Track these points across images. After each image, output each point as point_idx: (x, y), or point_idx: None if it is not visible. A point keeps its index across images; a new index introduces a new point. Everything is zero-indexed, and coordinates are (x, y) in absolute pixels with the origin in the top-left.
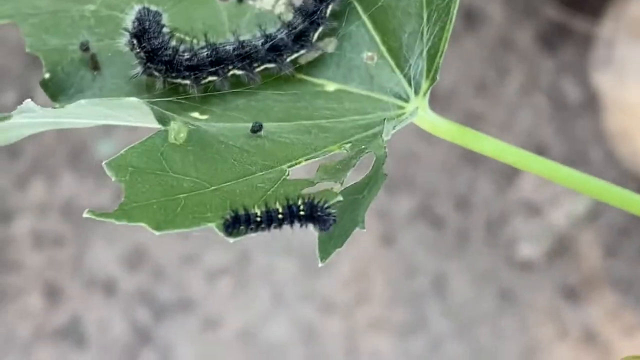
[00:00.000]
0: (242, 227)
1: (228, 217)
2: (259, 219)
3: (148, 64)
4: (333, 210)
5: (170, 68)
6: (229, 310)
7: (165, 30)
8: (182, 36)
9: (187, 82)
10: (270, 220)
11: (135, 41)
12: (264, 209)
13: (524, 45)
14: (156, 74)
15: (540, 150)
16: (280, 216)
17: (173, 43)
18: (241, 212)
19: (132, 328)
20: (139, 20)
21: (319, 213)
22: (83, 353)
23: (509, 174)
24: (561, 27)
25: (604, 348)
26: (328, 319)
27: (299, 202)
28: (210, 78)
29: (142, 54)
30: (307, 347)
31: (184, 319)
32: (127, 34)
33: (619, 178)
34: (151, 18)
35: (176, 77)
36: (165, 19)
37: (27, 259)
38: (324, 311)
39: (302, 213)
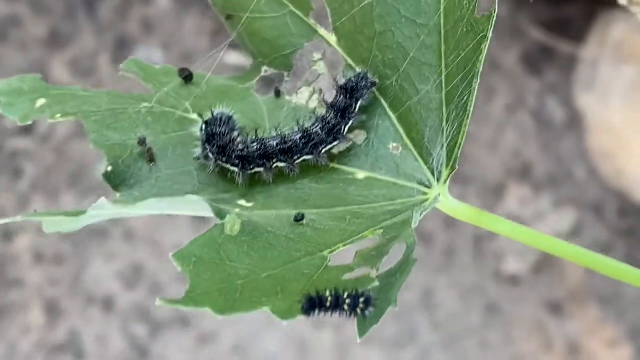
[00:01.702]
0: (317, 311)
1: (305, 302)
2: (328, 304)
3: (207, 147)
4: (374, 302)
5: (223, 155)
6: (223, 325)
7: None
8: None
9: (236, 169)
10: (337, 306)
11: (207, 135)
12: (333, 297)
13: (510, 66)
14: (211, 156)
15: (526, 168)
16: (345, 305)
17: (233, 136)
18: (315, 297)
19: (129, 343)
20: (214, 120)
21: (363, 305)
22: None
23: (496, 191)
24: (546, 49)
25: None
26: (320, 333)
27: (357, 295)
28: (257, 169)
29: (212, 146)
30: None
31: (180, 334)
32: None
33: (602, 196)
34: (224, 119)
35: (226, 163)
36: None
37: (28, 276)
38: (315, 325)
39: (357, 303)
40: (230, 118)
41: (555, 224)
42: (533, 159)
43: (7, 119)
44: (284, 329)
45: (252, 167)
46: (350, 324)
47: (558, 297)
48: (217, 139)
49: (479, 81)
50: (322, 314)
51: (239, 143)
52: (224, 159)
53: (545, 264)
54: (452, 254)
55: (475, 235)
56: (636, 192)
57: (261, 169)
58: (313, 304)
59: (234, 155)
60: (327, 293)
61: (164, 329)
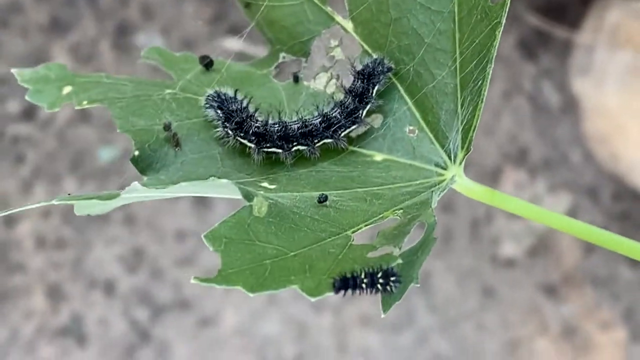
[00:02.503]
0: (349, 289)
1: (337, 281)
2: (364, 284)
3: (226, 125)
4: (399, 281)
5: (241, 131)
6: (224, 309)
7: (244, 103)
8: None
9: (252, 145)
10: (371, 284)
11: (220, 112)
12: (364, 275)
13: (507, 52)
14: (230, 132)
15: (522, 152)
16: (378, 283)
17: (249, 113)
18: (348, 276)
19: (131, 327)
20: (219, 97)
21: (392, 283)
22: (84, 351)
23: (492, 176)
24: (542, 34)
25: (583, 342)
26: (319, 316)
27: (387, 273)
28: (274, 149)
29: (226, 122)
30: (299, 342)
31: (181, 317)
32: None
33: (597, 180)
34: (228, 97)
35: (243, 138)
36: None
37: (31, 261)
38: (315, 308)
39: (389, 281)
40: (234, 97)
41: (551, 207)
42: (529, 144)
43: (9, 105)
44: (283, 312)
45: (268, 145)
46: (349, 307)
47: (553, 280)
48: (235, 115)
49: (492, 66)
50: (353, 292)
51: (256, 120)
52: (242, 135)
53: (541, 247)
54: (449, 239)
55: (471, 220)
56: (631, 176)
57: (279, 150)
58: (346, 284)
59: (250, 132)
60: (360, 273)
61: (165, 313)
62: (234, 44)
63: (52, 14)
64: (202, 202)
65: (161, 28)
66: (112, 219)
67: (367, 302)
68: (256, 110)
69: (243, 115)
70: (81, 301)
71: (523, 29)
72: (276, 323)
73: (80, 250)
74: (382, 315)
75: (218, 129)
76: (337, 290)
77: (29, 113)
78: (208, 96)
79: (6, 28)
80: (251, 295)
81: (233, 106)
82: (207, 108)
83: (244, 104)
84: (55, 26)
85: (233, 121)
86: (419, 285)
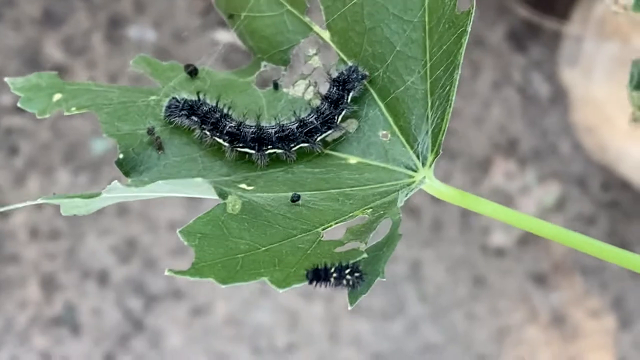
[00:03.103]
0: (320, 282)
1: (309, 272)
2: (333, 277)
3: (204, 127)
4: (364, 276)
5: (216, 130)
6: (217, 298)
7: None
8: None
9: (227, 144)
10: (339, 277)
11: (195, 117)
12: (334, 270)
13: (496, 43)
14: (207, 133)
15: (511, 143)
16: (345, 279)
17: (223, 113)
18: (320, 269)
19: (124, 316)
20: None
21: (357, 279)
22: (78, 340)
23: (482, 166)
24: (531, 26)
25: (572, 330)
26: (311, 305)
27: (350, 267)
28: (247, 150)
29: (203, 125)
30: (291, 331)
31: (174, 307)
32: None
33: (586, 170)
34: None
35: (219, 137)
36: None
37: (24, 251)
38: (307, 297)
39: (354, 277)
40: (199, 100)
41: (540, 197)
42: (518, 134)
43: (2, 98)
44: (276, 301)
45: (241, 145)
46: (340, 296)
47: (543, 269)
48: (210, 116)
49: (460, 72)
50: (324, 284)
51: (231, 120)
52: (217, 134)
53: (531, 236)
54: (439, 228)
55: (462, 210)
56: (619, 166)
57: (251, 151)
58: (318, 276)
59: (224, 131)
60: (331, 267)
61: (158, 302)
62: (224, 36)
63: (45, 7)
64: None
65: (153, 21)
66: (105, 210)
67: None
68: (229, 108)
69: (217, 115)
70: (75, 291)
71: (512, 20)
72: (268, 312)
73: (74, 241)
74: (349, 308)
75: (196, 132)
76: (310, 281)
77: None
78: (170, 106)
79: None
80: (222, 286)
81: (204, 108)
82: (177, 116)
83: (214, 105)
84: (48, 19)
85: (209, 122)
86: (384, 279)
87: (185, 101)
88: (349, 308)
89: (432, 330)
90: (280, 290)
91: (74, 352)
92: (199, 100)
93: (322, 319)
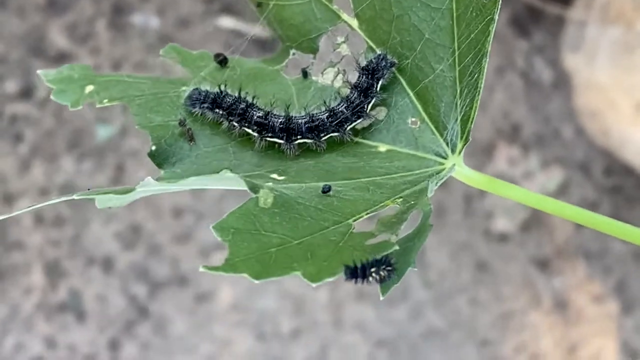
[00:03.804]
0: (357, 279)
1: (347, 270)
2: (371, 276)
3: (230, 117)
4: (395, 270)
5: (246, 123)
6: (221, 284)
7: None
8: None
9: (256, 134)
10: (377, 273)
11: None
12: (371, 266)
13: (499, 28)
14: (235, 124)
15: (515, 128)
16: (379, 274)
17: (248, 102)
18: (358, 267)
19: (129, 302)
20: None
21: (389, 272)
22: (83, 326)
23: (486, 151)
24: (534, 11)
25: (575, 315)
26: (315, 291)
27: (383, 264)
28: (276, 139)
29: (230, 116)
30: (296, 317)
31: (178, 293)
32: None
33: (589, 155)
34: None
35: (248, 128)
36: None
37: (29, 238)
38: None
39: (384, 272)
40: (222, 91)
41: (543, 182)
42: (522, 120)
43: (7, 85)
44: (280, 287)
45: (270, 135)
46: (345, 283)
47: (546, 254)
48: (235, 107)
49: (488, 60)
50: (362, 282)
51: (258, 109)
52: (245, 124)
53: (534, 222)
54: (443, 214)
55: (465, 195)
56: (622, 151)
57: (280, 141)
58: (355, 274)
59: (252, 121)
60: (367, 264)
61: (163, 289)
62: (228, 22)
63: None
64: None
65: (157, 8)
66: None
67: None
68: (254, 98)
69: (242, 106)
70: (80, 278)
71: (516, 5)
72: (273, 298)
73: (79, 228)
74: (381, 298)
75: (224, 123)
76: (347, 278)
77: (27, 92)
78: (192, 97)
79: (4, 8)
80: (256, 282)
81: (228, 99)
82: (198, 108)
83: (237, 95)
84: (52, 6)
85: (236, 113)
86: (416, 269)
87: (208, 93)
88: (381, 298)
89: (436, 316)
90: (314, 285)
91: (79, 339)
92: (222, 92)
93: (327, 305)
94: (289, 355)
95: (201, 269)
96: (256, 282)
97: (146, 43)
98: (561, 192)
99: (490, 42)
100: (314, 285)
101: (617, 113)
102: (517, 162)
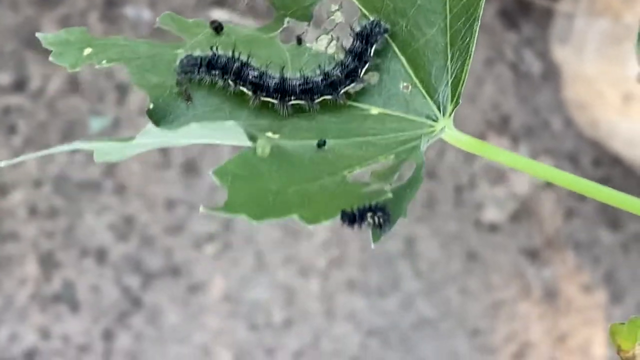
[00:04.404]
0: (353, 224)
1: (344, 214)
2: (368, 219)
3: (225, 76)
4: (390, 216)
5: (239, 80)
6: (214, 275)
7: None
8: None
9: (250, 93)
10: (372, 217)
11: (214, 71)
12: (367, 211)
13: (488, 20)
14: (231, 83)
15: (504, 119)
16: (372, 219)
17: (243, 61)
18: (354, 211)
19: (122, 293)
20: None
21: (385, 218)
22: (76, 317)
23: None
24: (522, 3)
25: (564, 304)
26: (307, 281)
27: (378, 210)
28: (270, 99)
29: (225, 75)
30: (288, 308)
31: (171, 284)
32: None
33: (578, 146)
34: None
35: (243, 86)
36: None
37: (23, 229)
38: (303, 274)
39: (379, 217)
40: (215, 52)
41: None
42: (511, 111)
43: (1, 76)
44: (272, 278)
45: (264, 95)
46: (336, 273)
47: (535, 244)
48: (229, 65)
49: (479, 23)
50: (353, 226)
51: (253, 68)
52: (240, 82)
53: (523, 212)
54: (433, 204)
55: (455, 186)
56: (610, 142)
57: (274, 101)
58: (352, 218)
59: (247, 81)
60: (363, 209)
61: (156, 279)
62: (220, 14)
63: None
64: (191, 170)
65: (149, 0)
66: (102, 188)
67: (353, 267)
68: (248, 57)
69: (237, 65)
70: (73, 269)
71: None
72: (265, 289)
73: (72, 219)
74: (372, 246)
75: (219, 82)
76: (344, 222)
77: (20, 84)
78: (185, 62)
79: None
80: (255, 223)
81: (222, 59)
82: (194, 73)
83: (231, 54)
84: None
85: (231, 72)
86: (406, 218)
87: (200, 57)
88: (372, 246)
89: (427, 306)
90: (310, 227)
91: (73, 329)
92: (215, 54)
93: (318, 296)
94: (281, 345)
95: (201, 210)
96: (255, 223)
97: (139, 35)
98: (550, 184)
99: (482, 5)
100: (310, 226)
101: (605, 104)
102: None
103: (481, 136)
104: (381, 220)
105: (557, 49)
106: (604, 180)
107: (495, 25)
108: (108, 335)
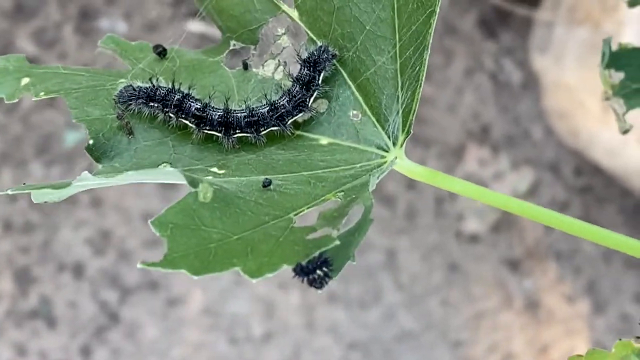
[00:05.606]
0: (304, 277)
1: (297, 267)
2: (318, 272)
3: (165, 109)
4: (331, 272)
5: (182, 112)
6: (192, 289)
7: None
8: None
9: (193, 126)
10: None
11: (153, 103)
12: (318, 264)
13: (468, 30)
14: (172, 116)
15: (485, 129)
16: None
17: (184, 93)
18: (307, 264)
19: (100, 308)
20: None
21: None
22: (54, 333)
23: (456, 153)
24: (502, 12)
25: (546, 315)
26: (287, 294)
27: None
28: (213, 132)
29: (165, 108)
30: (268, 321)
31: (149, 298)
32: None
33: (558, 155)
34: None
35: (185, 119)
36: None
37: None
38: (283, 287)
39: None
40: (155, 85)
41: (514, 183)
42: (491, 121)
43: None
44: (252, 291)
45: (208, 128)
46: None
47: (517, 255)
48: (170, 98)
49: (429, 52)
50: (303, 280)
51: (195, 100)
52: (182, 115)
53: (504, 223)
54: (413, 216)
55: (436, 197)
56: (590, 151)
57: (219, 134)
58: (304, 271)
59: (189, 113)
60: (315, 261)
61: (134, 294)
62: (196, 26)
63: (17, 0)
64: (168, 184)
65: (124, 12)
66: (79, 201)
67: (334, 280)
68: (189, 88)
69: (178, 97)
70: (50, 284)
71: (484, 7)
72: (244, 302)
73: (48, 234)
74: (319, 292)
75: (159, 116)
76: (296, 275)
77: None
78: (124, 94)
79: None
80: (195, 277)
81: (161, 91)
82: (132, 104)
83: (170, 87)
84: (19, 11)
85: (171, 104)
86: (355, 263)
87: (139, 88)
88: (319, 292)
89: (408, 318)
90: (254, 280)
91: (50, 345)
92: (154, 86)
93: (298, 308)
94: (261, 358)
95: (139, 266)
96: (195, 277)
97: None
98: (531, 193)
99: (432, 34)
100: (254, 281)
101: (585, 113)
102: (487, 163)
103: (461, 146)
104: (324, 275)
105: (536, 58)
106: (585, 190)
107: (474, 35)
108: (86, 351)
